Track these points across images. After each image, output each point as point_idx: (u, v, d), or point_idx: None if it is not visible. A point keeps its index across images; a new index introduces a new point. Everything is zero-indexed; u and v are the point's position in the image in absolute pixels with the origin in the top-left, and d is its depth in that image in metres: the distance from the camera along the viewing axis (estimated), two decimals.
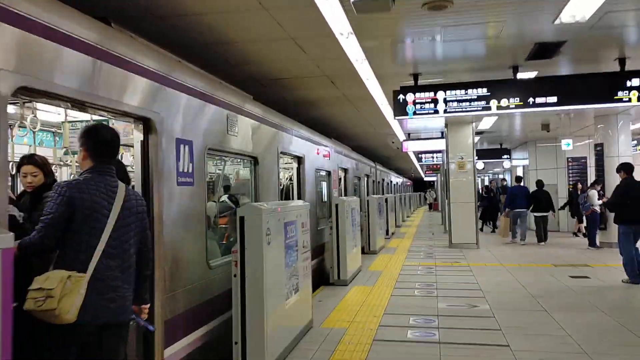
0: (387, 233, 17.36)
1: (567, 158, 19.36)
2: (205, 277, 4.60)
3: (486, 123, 15.01)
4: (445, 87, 8.21)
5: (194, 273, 4.42)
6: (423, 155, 21.74)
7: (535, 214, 15.36)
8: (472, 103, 8.12)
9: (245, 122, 5.75)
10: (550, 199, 15.55)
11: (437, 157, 21.69)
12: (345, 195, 12.55)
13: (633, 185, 8.25)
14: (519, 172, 23.09)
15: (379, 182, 20.17)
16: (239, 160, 6.34)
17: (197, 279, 4.46)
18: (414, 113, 8.24)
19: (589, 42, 7.07)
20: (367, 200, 13.34)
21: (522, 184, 16.84)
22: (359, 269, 10.11)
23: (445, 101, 8.18)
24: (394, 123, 14.22)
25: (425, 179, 51.38)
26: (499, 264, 11.08)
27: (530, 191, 15.83)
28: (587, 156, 18.56)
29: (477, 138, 15.11)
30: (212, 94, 4.91)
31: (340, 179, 13.02)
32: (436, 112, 8.19)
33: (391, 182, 26.53)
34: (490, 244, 15.07)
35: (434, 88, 8.21)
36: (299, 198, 8.15)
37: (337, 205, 8.79)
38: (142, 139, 3.81)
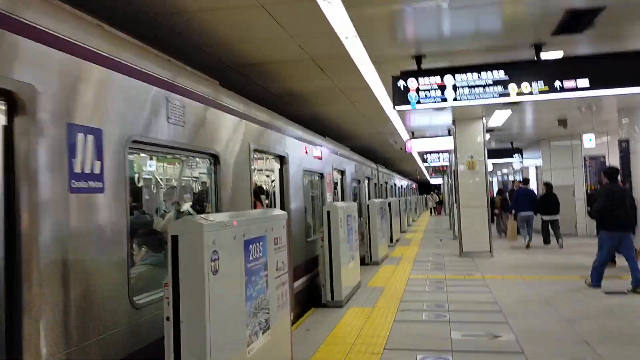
0: (391, 240, 16.06)
1: (585, 156, 18.00)
2: (125, 320, 3.30)
3: (497, 119, 13.67)
4: (454, 70, 6.89)
5: (104, 317, 3.12)
6: (428, 156, 20.38)
7: (544, 217, 14.64)
8: (487, 89, 6.80)
9: (199, 109, 4.46)
10: (558, 202, 14.70)
11: (443, 158, 20.33)
12: (343, 200, 11.23)
13: (617, 192, 8.21)
14: (531, 173, 21.73)
15: (381, 185, 18.83)
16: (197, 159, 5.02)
17: (111, 325, 3.15)
18: (418, 102, 6.92)
19: (635, 9, 5.74)
20: (367, 205, 12.02)
21: (529, 186, 15.78)
22: (357, 285, 8.77)
23: (455, 88, 6.87)
24: (396, 120, 12.90)
25: (432, 181, 49.97)
26: (518, 276, 9.72)
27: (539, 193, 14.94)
28: (605, 154, 17.18)
29: (486, 136, 13.78)
30: (142, 67, 3.62)
31: (336, 182, 11.71)
32: (444, 100, 6.87)
33: (395, 185, 25.19)
34: (503, 250, 13.70)
35: (441, 72, 6.90)
36: (282, 204, 6.85)
37: (328, 213, 7.48)
38: (4, 123, 2.52)
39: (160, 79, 3.85)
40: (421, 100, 6.97)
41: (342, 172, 11.27)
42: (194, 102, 4.36)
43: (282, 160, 6.88)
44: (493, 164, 23.92)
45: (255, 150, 5.80)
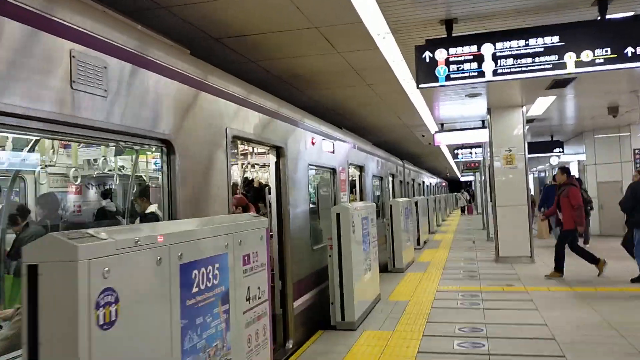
0: (418, 242, 14.63)
1: (634, 150, 16.24)
2: None
3: (539, 107, 12.11)
4: (494, 36, 5.47)
5: None
6: (459, 151, 18.79)
7: None
8: (537, 59, 5.37)
9: (140, 77, 3.18)
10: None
11: (476, 153, 18.72)
12: (362, 200, 9.87)
13: None
14: (574, 168, 19.94)
15: (407, 183, 17.37)
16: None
17: None
18: (447, 78, 5.52)
19: None
20: (390, 205, 10.63)
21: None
22: (375, 299, 7.42)
23: (495, 57, 5.44)
24: (422, 109, 11.45)
25: (462, 179, 48.00)
26: (568, 288, 8.22)
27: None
28: None
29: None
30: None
31: (353, 179, 10.36)
32: (480, 74, 5.46)
33: (423, 182, 23.63)
34: (543, 253, 12.11)
35: (477, 39, 5.49)
36: (278, 205, 5.55)
37: (338, 215, 6.15)
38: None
39: (64, 26, 2.59)
40: (452, 75, 5.56)
41: (361, 168, 9.90)
42: (130, 66, 3.08)
43: (278, 152, 5.57)
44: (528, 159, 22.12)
45: (237, 138, 4.50)
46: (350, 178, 10.79)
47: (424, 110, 11.74)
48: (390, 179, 14.05)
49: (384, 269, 10.50)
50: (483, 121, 13.69)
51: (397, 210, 10.48)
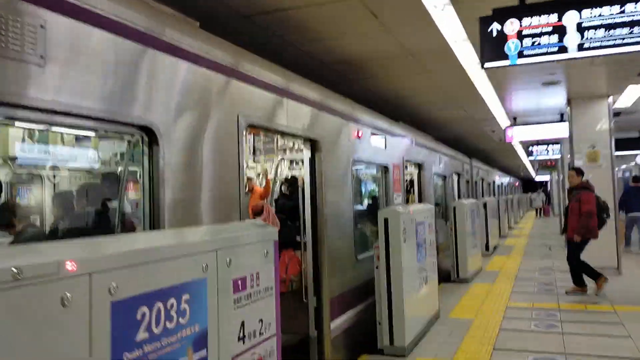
0: (486, 248, 13.39)
1: None
2: None
3: (626, 99, 10.63)
4: (579, 3, 4.40)
5: None
6: (534, 148, 17.22)
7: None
8: (636, 30, 4.26)
9: (105, 43, 2.46)
10: None
11: (553, 150, 17.10)
12: (421, 201, 8.87)
13: None
14: None
15: (475, 182, 16.06)
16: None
17: None
18: (520, 55, 4.49)
19: None
20: (454, 207, 9.55)
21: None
22: (433, 317, 6.45)
23: (581, 28, 4.36)
24: (491, 100, 10.27)
25: (537, 178, 45.25)
26: None
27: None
28: None
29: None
30: None
31: (411, 179, 9.40)
32: (562, 50, 4.39)
33: (494, 182, 22.06)
34: (634, 266, 10.58)
35: (558, 6, 4.43)
36: (312, 206, 4.73)
37: (386, 221, 5.25)
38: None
39: None
40: (525, 52, 4.52)
41: (420, 166, 8.91)
42: (90, 29, 2.36)
43: (313, 145, 4.75)
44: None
45: (254, 127, 3.72)
46: (407, 177, 9.84)
47: (493, 102, 10.54)
48: (455, 178, 12.91)
49: (446, 278, 9.46)
50: (562, 114, 12.27)
51: (462, 212, 9.40)
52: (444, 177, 11.11)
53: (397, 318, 5.20)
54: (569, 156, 11.82)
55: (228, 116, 3.37)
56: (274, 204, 7.01)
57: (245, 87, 3.61)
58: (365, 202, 7.15)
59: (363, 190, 7.19)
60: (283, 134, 4.23)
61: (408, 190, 10.00)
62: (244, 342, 2.42)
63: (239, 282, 2.41)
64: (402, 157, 7.66)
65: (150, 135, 2.70)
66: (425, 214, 6.45)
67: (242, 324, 2.42)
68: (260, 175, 6.97)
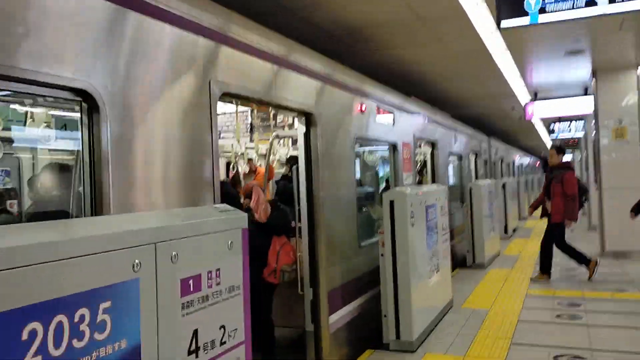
0: (505, 230, 12.82)
1: None
2: None
3: None
4: None
5: None
6: (556, 126, 16.46)
7: None
8: None
9: None
10: None
11: (576, 128, 16.32)
12: (434, 181, 8.33)
13: None
14: None
15: (494, 162, 15.40)
16: None
17: None
18: (542, 10, 3.91)
19: None
20: (470, 189, 8.99)
21: None
22: (445, 308, 5.96)
23: None
24: (511, 73, 9.60)
25: None
26: None
27: None
28: None
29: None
30: None
31: (424, 159, 8.86)
32: (591, 3, 3.82)
33: (513, 162, 21.30)
34: None
35: None
36: (308, 188, 4.24)
37: (391, 203, 4.74)
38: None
39: None
40: (548, 7, 3.93)
41: (434, 145, 8.35)
42: None
43: (308, 119, 4.25)
44: None
45: (230, 95, 3.22)
46: (421, 157, 9.29)
47: (512, 75, 9.87)
48: (472, 157, 12.31)
49: (462, 263, 8.94)
50: (586, 88, 11.53)
51: (479, 194, 8.83)
52: (460, 157, 10.52)
53: (403, 310, 4.72)
54: (593, 133, 11.14)
55: (197, 81, 2.88)
56: (274, 186, 6.55)
57: (222, 49, 3.11)
58: (371, 183, 6.65)
59: (369, 170, 6.68)
60: (269, 105, 3.73)
61: (421, 171, 9.46)
62: (197, 356, 1.96)
63: (190, 282, 1.95)
64: (413, 134, 7.11)
65: (90, 102, 2.23)
66: (437, 196, 5.92)
67: (195, 334, 1.96)
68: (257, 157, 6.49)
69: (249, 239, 4.33)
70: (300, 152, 4.28)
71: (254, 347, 4.33)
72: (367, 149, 6.69)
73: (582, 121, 15.61)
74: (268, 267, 4.22)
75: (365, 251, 5.18)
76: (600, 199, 9.71)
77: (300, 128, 4.26)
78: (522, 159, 26.03)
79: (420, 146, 8.54)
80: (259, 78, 3.52)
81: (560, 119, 16.26)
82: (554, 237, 7.65)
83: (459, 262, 8.79)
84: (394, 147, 6.37)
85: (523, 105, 12.21)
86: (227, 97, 3.16)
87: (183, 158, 2.74)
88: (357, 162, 6.17)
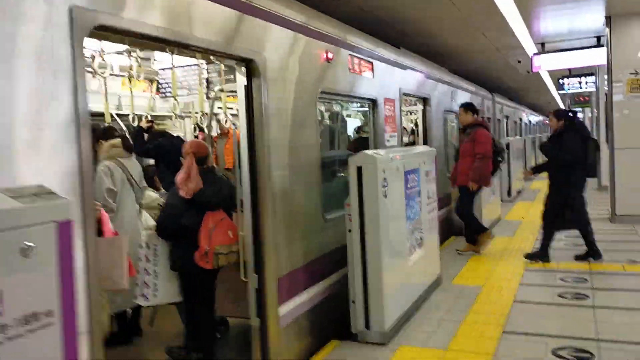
0: (508, 193, 12.03)
1: None
2: None
3: None
4: None
5: None
6: (565, 81, 15.38)
7: None
8: None
9: None
10: None
11: (587, 83, 15.25)
12: (426, 142, 7.49)
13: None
14: None
15: (498, 120, 14.46)
16: None
17: None
18: None
19: None
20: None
21: None
22: (431, 286, 5.23)
23: None
24: (516, 22, 8.61)
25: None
26: None
27: None
28: None
29: None
30: None
31: (415, 118, 8.02)
32: None
33: (520, 120, 20.27)
34: None
35: None
36: (251, 153, 3.45)
37: (359, 169, 3.95)
38: None
39: None
40: None
41: (425, 101, 7.48)
42: None
43: (248, 67, 3.41)
44: None
45: (107, 29, 2.39)
46: (410, 115, 8.44)
47: (518, 25, 8.88)
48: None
49: (459, 231, 8.17)
50: (598, 38, 10.49)
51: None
52: (458, 115, 9.61)
53: (374, 296, 3.99)
54: (605, 88, 10.17)
55: (47, 8, 2.05)
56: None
57: None
58: (342, 145, 5.84)
59: (339, 130, 5.86)
60: (180, 45, 2.89)
61: (414, 132, 8.62)
62: None
63: None
64: (399, 89, 6.25)
65: None
66: (423, 159, 5.12)
67: None
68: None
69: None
70: (240, 109, 3.47)
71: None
72: (339, 105, 5.85)
73: (593, 76, 14.55)
74: (199, 249, 3.47)
75: (332, 225, 4.41)
76: (612, 159, 8.83)
77: (239, 79, 3.44)
78: (529, 117, 24.95)
79: (415, 104, 7.69)
80: (165, 10, 2.68)
81: (570, 74, 15.18)
82: (469, 203, 6.69)
83: (456, 230, 8.04)
84: (373, 103, 5.53)
85: (530, 57, 11.19)
86: (101, 32, 2.33)
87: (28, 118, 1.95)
88: (325, 121, 5.36)
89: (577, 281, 5.45)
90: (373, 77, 5.44)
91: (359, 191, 3.98)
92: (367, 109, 5.63)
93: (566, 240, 7.43)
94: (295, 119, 3.92)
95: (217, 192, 3.63)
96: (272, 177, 3.55)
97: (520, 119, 20.41)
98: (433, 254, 5.40)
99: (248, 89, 3.42)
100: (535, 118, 28.59)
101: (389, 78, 5.93)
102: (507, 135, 16.04)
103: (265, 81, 3.47)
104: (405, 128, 7.56)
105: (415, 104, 7.97)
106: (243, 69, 3.41)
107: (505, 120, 16.09)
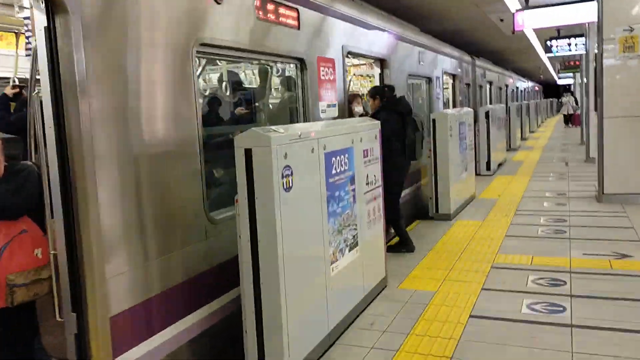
0: (487, 167, 10.98)
1: None
2: None
3: None
4: None
5: None
6: (554, 43, 14.17)
7: None
8: None
9: None
10: None
11: (576, 45, 14.06)
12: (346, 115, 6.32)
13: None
14: None
15: (480, 86, 13.27)
16: None
17: None
18: None
19: None
20: (433, 121, 6.95)
21: None
22: (375, 290, 4.17)
23: None
24: None
25: (559, 82, 41.45)
26: None
27: None
28: None
29: None
30: None
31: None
32: None
33: (506, 87, 19.08)
34: None
35: None
36: (59, 141, 2.29)
37: (247, 154, 2.81)
38: None
39: None
40: None
41: (383, 63, 6.29)
42: None
43: None
44: None
45: None
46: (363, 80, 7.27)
47: None
48: (450, 81, 10.24)
49: (425, 214, 7.11)
50: None
51: (444, 126, 6.83)
52: (429, 80, 8.45)
53: (270, 330, 2.89)
54: (595, 50, 9.03)
55: None
56: None
57: None
58: (250, 118, 4.65)
59: (244, 98, 4.67)
60: None
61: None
62: None
63: None
64: (342, 46, 5.06)
65: None
66: (358, 135, 3.97)
67: None
68: None
69: None
70: (39, 64, 2.30)
71: None
72: (241, 64, 4.66)
73: (583, 37, 13.36)
74: None
75: (224, 228, 3.29)
76: (601, 129, 7.74)
77: (36, 16, 2.25)
78: (517, 83, 23.75)
79: (375, 67, 6.49)
80: None
81: (558, 35, 13.98)
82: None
83: (419, 216, 6.97)
84: (301, 64, 4.35)
85: (513, 13, 9.96)
86: None
87: None
88: (214, 84, 4.19)
89: (552, 284, 4.40)
90: (299, 28, 4.24)
91: (248, 183, 2.85)
92: (292, 72, 4.44)
93: (545, 225, 6.39)
94: (150, 82, 2.75)
95: (15, 191, 2.48)
96: (102, 166, 2.41)
97: (507, 85, 19.21)
98: (375, 253, 4.31)
99: (49, 33, 2.24)
100: (523, 84, 27.32)
101: (326, 32, 4.74)
102: (491, 103, 14.89)
103: (81, 21, 2.29)
104: (359, 96, 6.38)
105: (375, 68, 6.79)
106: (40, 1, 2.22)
107: (488, 86, 14.91)
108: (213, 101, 4.34)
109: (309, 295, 3.19)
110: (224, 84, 4.73)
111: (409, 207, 6.68)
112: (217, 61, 4.31)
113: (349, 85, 7.82)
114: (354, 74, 7.97)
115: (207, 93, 4.50)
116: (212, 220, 3.22)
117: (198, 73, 3.20)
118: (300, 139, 3.09)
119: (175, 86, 2.93)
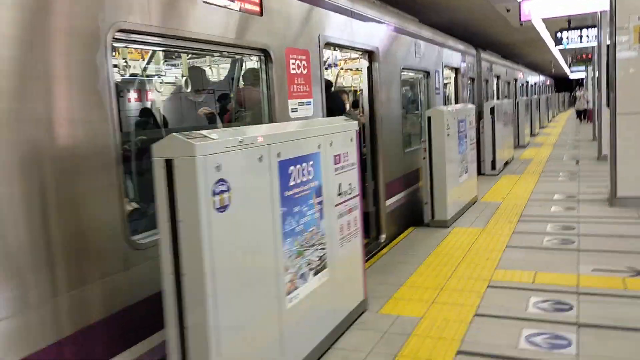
0: (493, 166, 10.38)
1: None
2: None
3: None
4: None
5: None
6: (564, 34, 13.47)
7: None
8: None
9: None
10: None
11: (588, 37, 13.35)
12: (372, 110, 5.74)
13: None
14: None
15: (486, 80, 12.60)
16: None
17: None
18: None
19: None
20: (429, 118, 6.35)
21: None
22: (352, 315, 3.60)
23: None
24: None
25: (571, 75, 40.47)
26: None
27: None
28: None
29: None
30: None
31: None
32: None
33: (515, 81, 18.33)
34: None
35: None
36: None
37: (168, 164, 2.26)
38: None
39: None
40: None
41: (371, 55, 5.70)
42: None
43: None
44: None
45: None
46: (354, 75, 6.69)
47: None
48: (452, 75, 9.61)
49: (420, 220, 6.52)
50: None
51: (440, 125, 6.23)
52: (427, 74, 7.83)
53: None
54: (607, 40, 8.36)
55: None
56: None
57: None
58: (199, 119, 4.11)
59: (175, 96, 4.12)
60: None
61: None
62: None
63: None
64: (318, 36, 4.48)
65: None
66: (326, 139, 3.39)
67: None
68: None
69: None
70: None
71: None
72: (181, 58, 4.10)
73: (595, 28, 12.64)
74: None
75: (153, 254, 2.73)
76: (614, 127, 7.10)
77: None
78: (527, 77, 22.95)
79: (359, 60, 5.89)
80: None
81: (569, 26, 13.27)
82: None
83: (413, 222, 6.38)
84: (265, 57, 3.78)
85: (518, 1, 9.31)
86: None
87: None
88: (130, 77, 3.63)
89: (556, 309, 3.81)
90: (262, 14, 3.67)
91: (169, 203, 2.29)
92: (256, 65, 3.88)
93: (552, 234, 5.78)
94: (44, 77, 2.20)
95: None
96: None
97: (516, 80, 18.46)
98: (350, 274, 3.74)
99: None
100: (533, 78, 26.47)
101: (297, 19, 4.16)
102: (498, 98, 14.21)
103: None
104: (345, 92, 5.80)
105: (359, 60, 6.20)
106: None
107: (495, 80, 14.21)
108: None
109: (255, 337, 2.63)
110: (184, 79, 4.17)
111: (399, 216, 6.10)
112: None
113: (335, 79, 7.24)
114: (342, 69, 7.38)
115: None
116: (134, 245, 2.66)
117: (121, 65, 2.63)
118: (242, 145, 2.53)
119: (81, 82, 2.37)
